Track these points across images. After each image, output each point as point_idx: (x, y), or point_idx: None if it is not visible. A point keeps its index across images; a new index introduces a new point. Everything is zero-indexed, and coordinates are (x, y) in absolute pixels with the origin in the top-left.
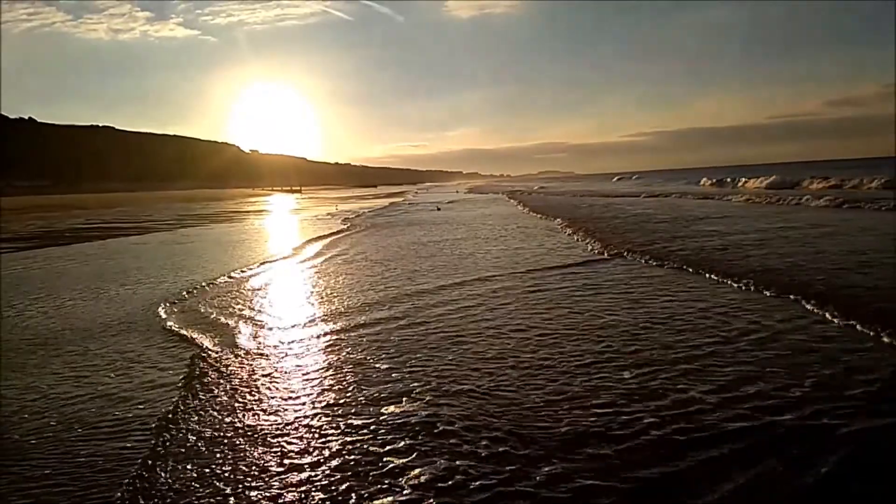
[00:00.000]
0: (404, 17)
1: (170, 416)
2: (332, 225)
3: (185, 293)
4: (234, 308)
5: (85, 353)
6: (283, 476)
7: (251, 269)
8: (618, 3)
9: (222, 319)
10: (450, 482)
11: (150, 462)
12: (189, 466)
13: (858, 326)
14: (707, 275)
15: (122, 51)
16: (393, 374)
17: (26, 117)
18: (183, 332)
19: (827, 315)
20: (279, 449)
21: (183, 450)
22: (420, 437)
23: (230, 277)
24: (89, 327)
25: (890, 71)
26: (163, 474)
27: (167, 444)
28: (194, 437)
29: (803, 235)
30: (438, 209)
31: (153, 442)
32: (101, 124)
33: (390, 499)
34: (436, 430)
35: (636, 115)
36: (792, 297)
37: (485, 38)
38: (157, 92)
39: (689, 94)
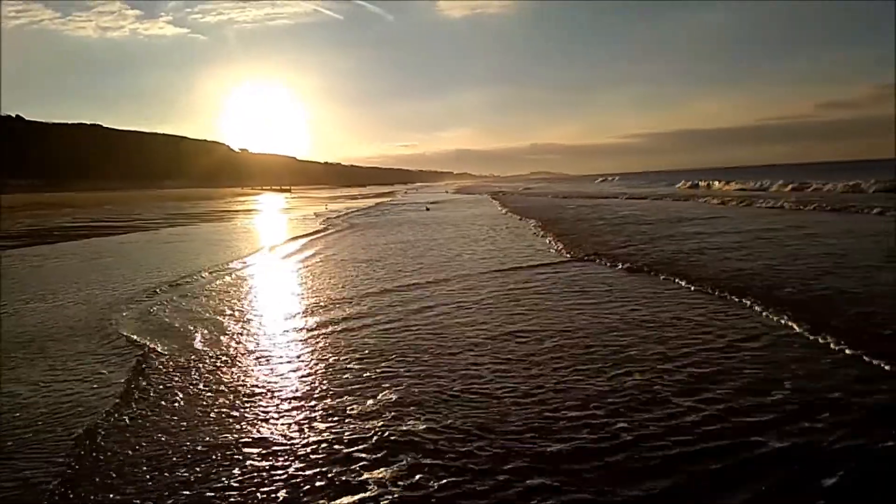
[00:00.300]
0: (396, 16)
1: (95, 429)
2: (314, 225)
3: (146, 294)
4: (197, 310)
5: (20, 359)
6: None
7: (225, 267)
8: (610, 4)
9: (177, 323)
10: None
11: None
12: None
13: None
14: (660, 276)
15: (111, 49)
16: (346, 376)
17: (14, 115)
18: (134, 336)
19: (774, 317)
20: (228, 459)
21: (98, 476)
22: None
23: (202, 276)
24: (34, 332)
25: (881, 71)
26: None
27: (84, 463)
28: (113, 461)
29: (750, 239)
30: (427, 209)
31: (71, 461)
32: (89, 122)
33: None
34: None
35: (628, 116)
36: (744, 300)
37: (477, 38)
38: (147, 90)
39: (680, 95)
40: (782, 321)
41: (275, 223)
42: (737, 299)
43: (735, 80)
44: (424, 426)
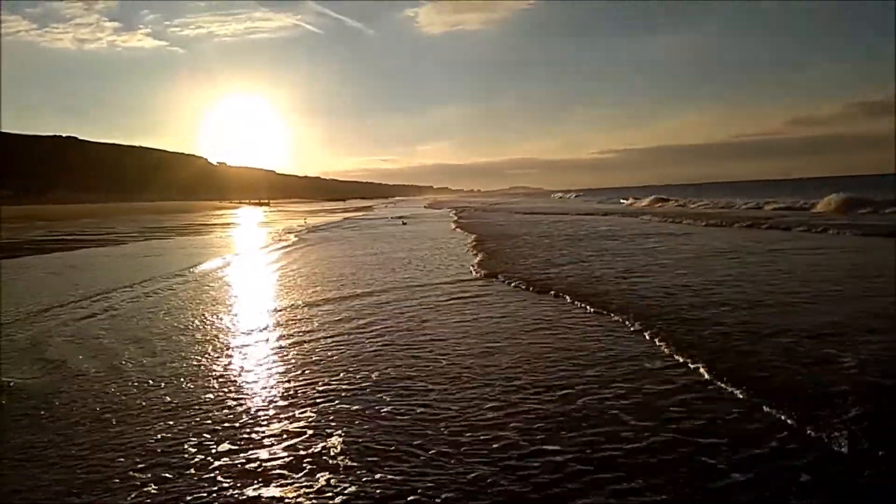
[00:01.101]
0: (376, 31)
1: None
2: (275, 238)
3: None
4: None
5: None
6: None
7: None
8: (587, 24)
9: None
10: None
11: None
12: None
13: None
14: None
15: (88, 61)
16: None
17: None
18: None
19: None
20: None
21: None
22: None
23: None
24: None
25: (850, 88)
26: None
27: None
28: None
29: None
30: (404, 223)
31: None
32: (65, 135)
33: None
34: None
35: (604, 132)
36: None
37: (456, 54)
38: (124, 103)
39: (655, 112)
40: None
41: (246, 237)
42: (616, 317)
43: (707, 98)
44: None
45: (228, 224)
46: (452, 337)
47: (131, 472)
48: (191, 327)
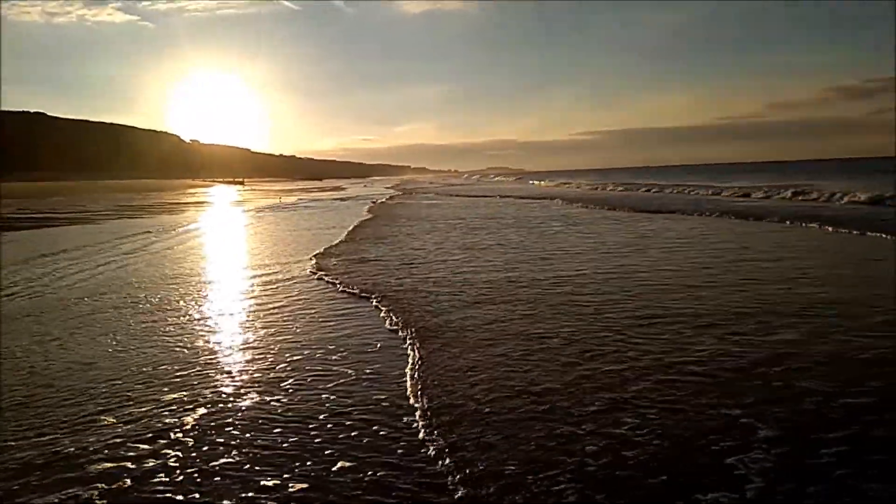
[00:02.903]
0: (355, 10)
1: None
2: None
3: None
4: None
5: None
6: None
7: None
8: (567, 5)
9: None
10: None
11: None
12: None
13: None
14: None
15: (57, 35)
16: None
17: None
18: None
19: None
20: None
21: None
22: None
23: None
24: None
25: (827, 74)
26: None
27: None
28: None
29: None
30: (374, 202)
31: None
32: (32, 111)
33: None
34: None
35: (582, 111)
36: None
37: (436, 33)
38: (93, 78)
39: (633, 94)
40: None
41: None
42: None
43: (687, 80)
44: None
45: (201, 203)
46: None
47: None
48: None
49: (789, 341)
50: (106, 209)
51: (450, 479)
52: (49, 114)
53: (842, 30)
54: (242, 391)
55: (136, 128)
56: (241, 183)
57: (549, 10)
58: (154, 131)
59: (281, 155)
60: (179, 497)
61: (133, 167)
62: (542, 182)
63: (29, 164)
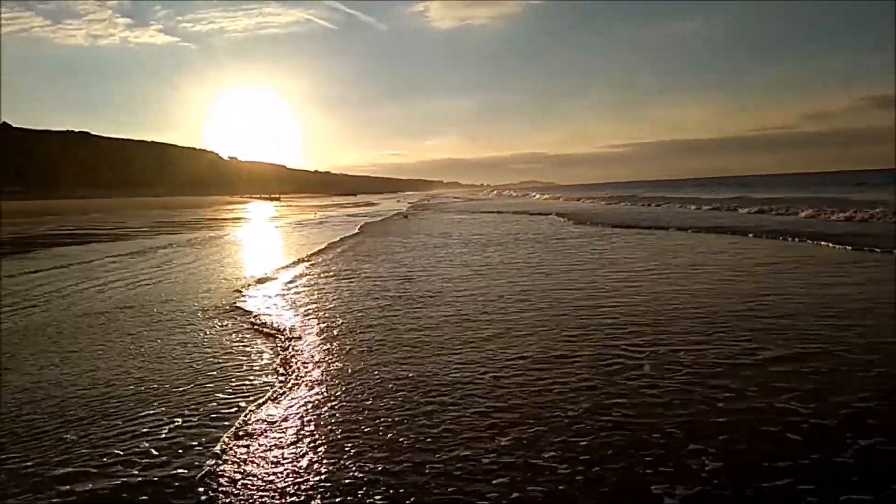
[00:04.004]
0: (387, 26)
1: None
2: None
3: None
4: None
5: None
6: None
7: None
8: (595, 16)
9: None
10: None
11: None
12: None
13: None
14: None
15: (101, 57)
16: None
17: (0, 122)
18: None
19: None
20: None
21: None
22: None
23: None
24: None
25: (856, 82)
26: None
27: None
28: None
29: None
30: (406, 217)
31: None
32: (77, 130)
33: None
34: None
35: (610, 124)
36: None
37: (464, 48)
38: (136, 98)
39: (665, 105)
40: None
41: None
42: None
43: (718, 90)
44: None
45: (239, 219)
46: None
47: None
48: None
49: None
50: (143, 225)
51: None
52: (93, 133)
53: (873, 36)
54: None
55: (176, 146)
56: (278, 199)
57: (574, 21)
58: (193, 149)
59: (316, 171)
60: None
61: (173, 184)
62: (559, 197)
63: (73, 182)
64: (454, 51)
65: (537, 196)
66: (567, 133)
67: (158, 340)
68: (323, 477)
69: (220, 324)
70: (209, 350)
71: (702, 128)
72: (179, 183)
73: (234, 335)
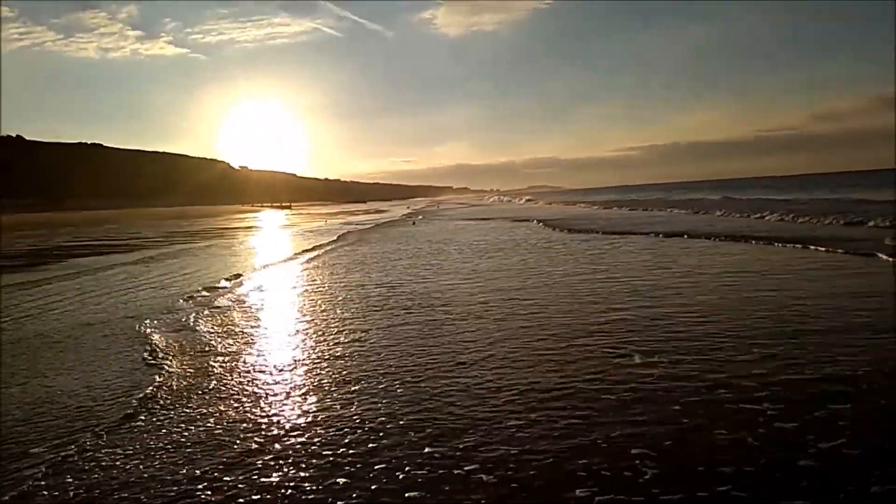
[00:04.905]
0: (395, 33)
1: None
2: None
3: None
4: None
5: None
6: None
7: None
8: (602, 20)
9: None
10: None
11: None
12: None
13: None
14: None
15: (112, 69)
16: None
17: (14, 135)
18: None
19: None
20: None
21: None
22: None
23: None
24: None
25: (874, 84)
26: None
27: None
28: None
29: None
30: (414, 223)
31: None
32: (89, 141)
33: None
34: None
35: (624, 128)
36: None
37: (473, 54)
38: (147, 109)
39: (675, 108)
40: None
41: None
42: None
43: (726, 93)
44: None
45: (251, 227)
46: None
47: None
48: None
49: None
50: (158, 235)
51: None
52: (105, 144)
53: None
54: None
55: (187, 156)
56: (289, 207)
57: (582, 25)
58: (205, 159)
59: (326, 179)
60: None
61: (185, 194)
62: (553, 202)
63: (86, 193)
64: (463, 57)
65: (521, 201)
66: (578, 137)
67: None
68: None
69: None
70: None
71: (713, 129)
72: (191, 193)
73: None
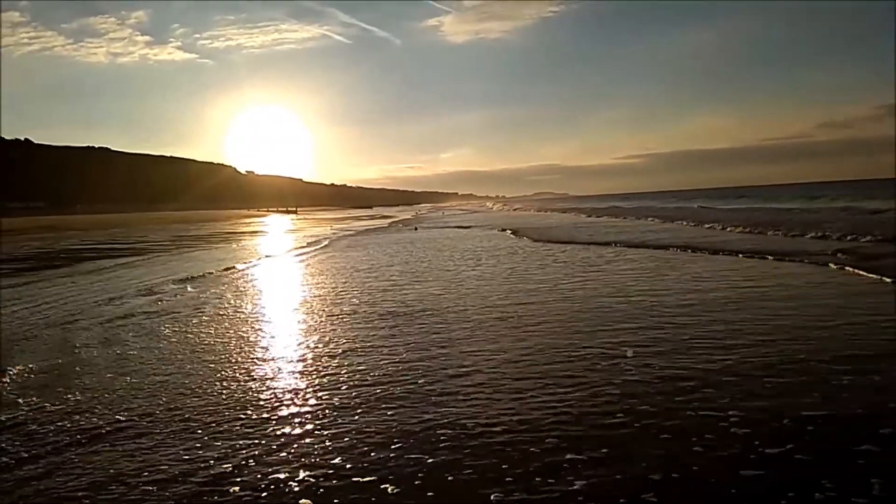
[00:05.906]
0: (402, 41)
1: None
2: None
3: None
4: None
5: None
6: None
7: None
8: (607, 31)
9: None
10: None
11: None
12: None
13: None
14: None
15: (121, 74)
16: None
17: (23, 139)
18: None
19: None
20: None
21: None
22: None
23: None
24: None
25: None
26: None
27: None
28: None
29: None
30: (416, 229)
31: None
32: (97, 146)
33: None
34: None
35: (624, 135)
36: None
37: (480, 61)
38: (155, 114)
39: (680, 115)
40: None
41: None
42: None
43: (731, 101)
44: None
45: (257, 232)
46: None
47: None
48: None
49: None
50: (164, 239)
51: None
52: (113, 148)
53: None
54: None
55: (195, 161)
56: (295, 212)
57: (586, 34)
58: (212, 164)
59: (332, 184)
60: None
61: (192, 198)
62: (546, 209)
63: (94, 197)
64: (469, 64)
65: (512, 209)
66: (582, 144)
67: None
68: None
69: None
70: None
71: (717, 137)
72: (198, 197)
73: None
